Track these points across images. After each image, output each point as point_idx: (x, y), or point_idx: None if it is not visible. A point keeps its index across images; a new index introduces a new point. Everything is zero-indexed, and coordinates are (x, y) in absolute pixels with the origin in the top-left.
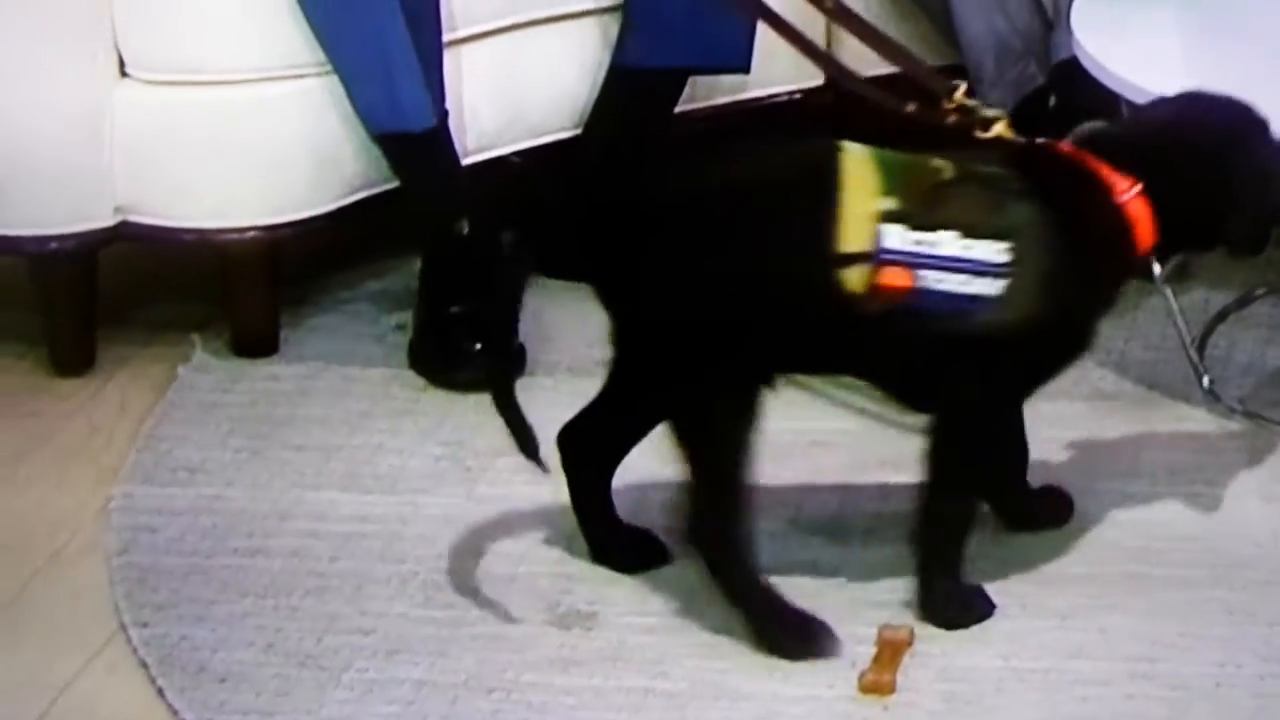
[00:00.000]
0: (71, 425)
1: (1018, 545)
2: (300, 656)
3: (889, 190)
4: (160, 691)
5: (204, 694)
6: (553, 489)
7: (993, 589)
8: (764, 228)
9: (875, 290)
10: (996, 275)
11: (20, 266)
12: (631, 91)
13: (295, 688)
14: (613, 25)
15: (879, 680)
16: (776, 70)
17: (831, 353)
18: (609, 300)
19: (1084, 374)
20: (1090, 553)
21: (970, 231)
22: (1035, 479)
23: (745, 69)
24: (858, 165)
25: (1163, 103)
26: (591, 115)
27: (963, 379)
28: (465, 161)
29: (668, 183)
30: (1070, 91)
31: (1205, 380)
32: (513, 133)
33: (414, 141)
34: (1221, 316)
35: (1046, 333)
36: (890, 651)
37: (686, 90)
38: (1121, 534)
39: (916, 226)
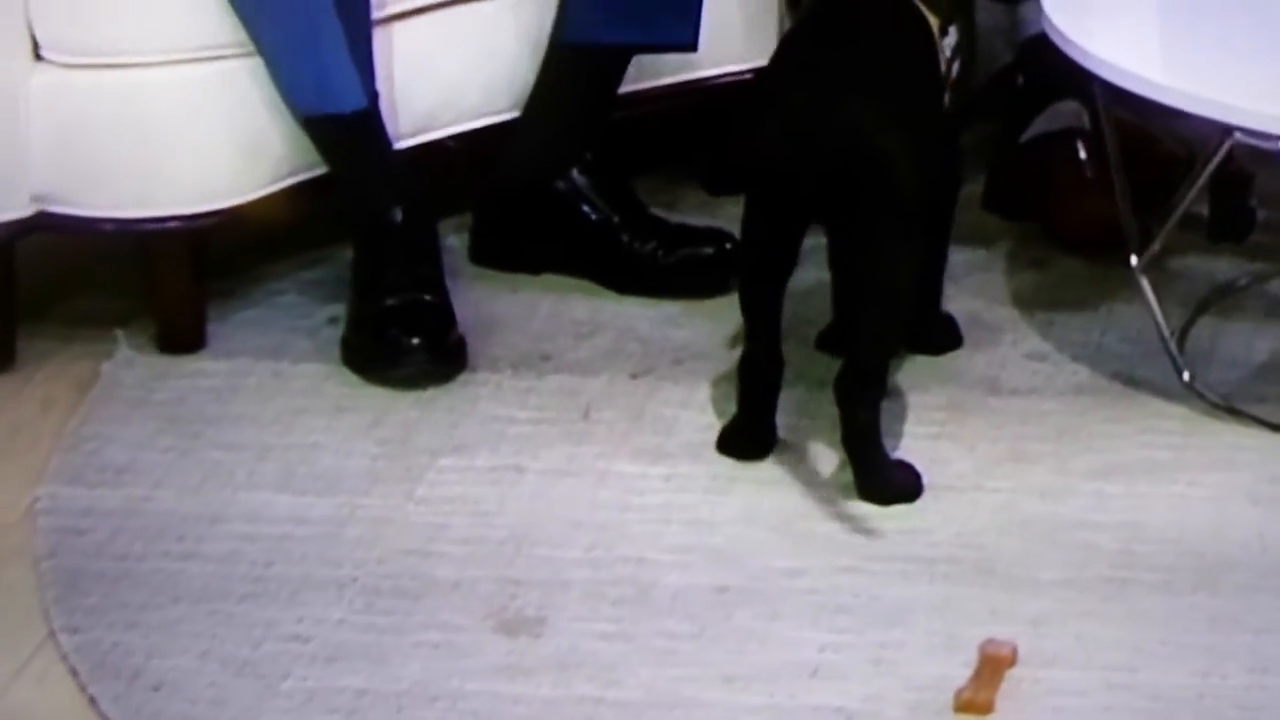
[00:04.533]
0: None
1: (988, 547)
2: (237, 664)
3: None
4: (92, 700)
5: (137, 702)
6: (497, 491)
7: (962, 595)
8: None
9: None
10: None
11: None
12: (573, 70)
13: (232, 696)
14: None
15: (975, 699)
16: (726, 49)
17: None
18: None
19: (1058, 368)
20: (1065, 556)
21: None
22: (1009, 477)
23: (693, 47)
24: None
25: None
26: (531, 96)
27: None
28: (398, 145)
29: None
30: (1039, 70)
31: (1185, 374)
32: (448, 115)
33: (344, 124)
34: (1203, 308)
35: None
36: (991, 669)
37: (631, 69)
38: (1099, 536)
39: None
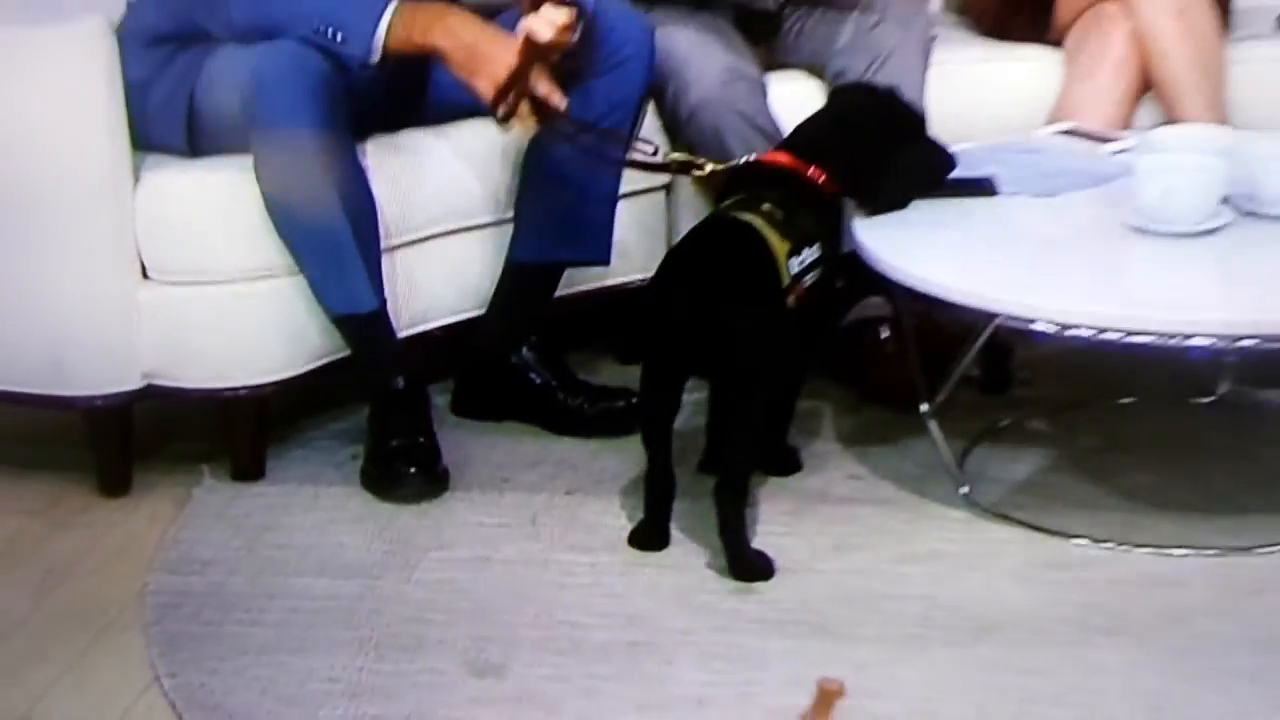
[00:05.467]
0: (115, 533)
1: (823, 612)
2: (287, 699)
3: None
4: None
5: None
6: (470, 575)
7: (805, 646)
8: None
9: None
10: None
11: (76, 418)
12: (521, 280)
13: None
14: (508, 231)
15: None
16: (627, 263)
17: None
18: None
19: (871, 485)
20: (880, 619)
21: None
22: (836, 562)
23: (606, 262)
24: (761, 225)
25: (841, 94)
26: (491, 300)
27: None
28: (400, 334)
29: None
30: (854, 275)
31: (964, 489)
32: (434, 313)
33: (362, 321)
34: (976, 441)
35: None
36: (825, 700)
37: (563, 278)
38: (903, 605)
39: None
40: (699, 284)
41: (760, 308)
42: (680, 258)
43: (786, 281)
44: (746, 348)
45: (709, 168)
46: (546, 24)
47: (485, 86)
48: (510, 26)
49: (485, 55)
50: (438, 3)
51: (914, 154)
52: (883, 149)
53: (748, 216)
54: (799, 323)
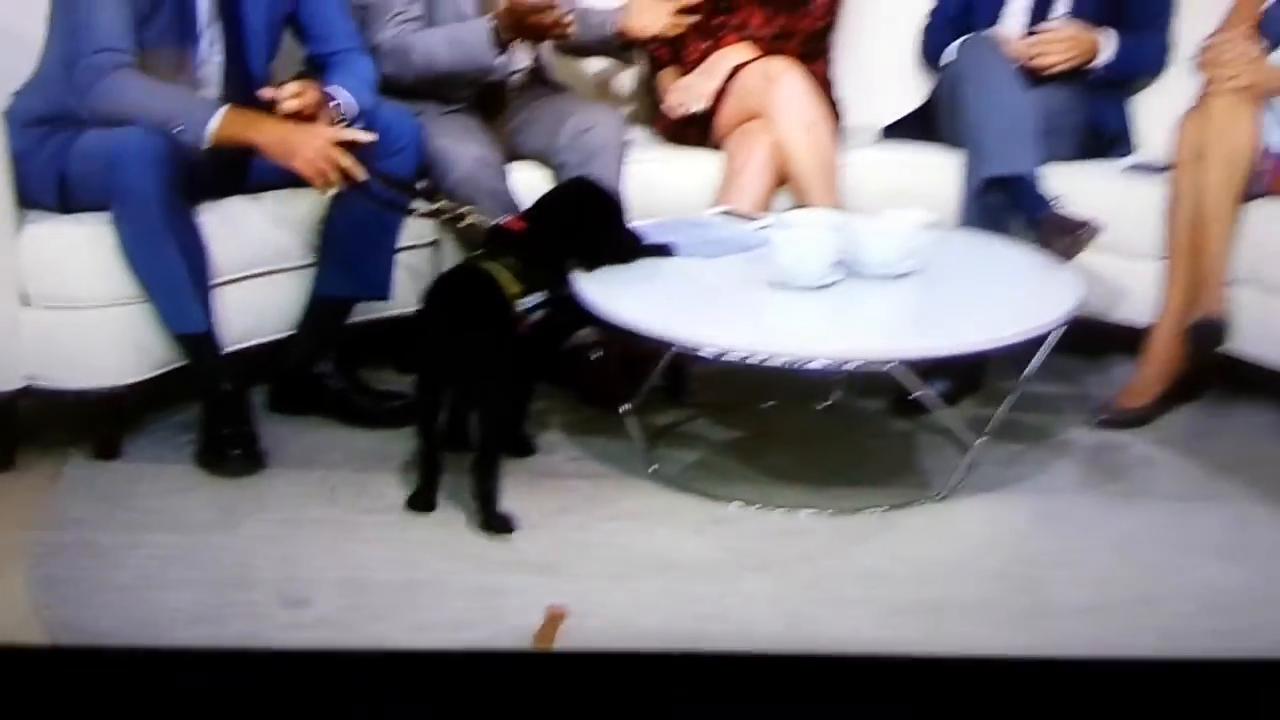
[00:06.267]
0: (3, 500)
1: (553, 558)
2: (142, 623)
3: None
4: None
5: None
6: (283, 532)
7: (539, 582)
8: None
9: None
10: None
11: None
12: (321, 310)
13: None
14: (311, 271)
15: (544, 635)
16: (404, 296)
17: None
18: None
19: (584, 464)
20: (593, 561)
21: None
22: (560, 521)
23: (387, 297)
24: (499, 273)
25: (560, 189)
26: (300, 324)
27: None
28: (228, 348)
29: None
30: (572, 309)
31: (653, 467)
32: (255, 333)
33: (196, 339)
34: (660, 434)
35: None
36: (552, 621)
37: (356, 308)
38: (610, 551)
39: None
40: (451, 315)
41: (493, 334)
42: (438, 294)
43: (516, 315)
44: (482, 362)
45: (470, 218)
46: (326, 143)
47: (301, 164)
48: None
49: (295, 143)
50: (255, 110)
51: (613, 229)
52: (591, 225)
53: (488, 265)
54: (528, 346)
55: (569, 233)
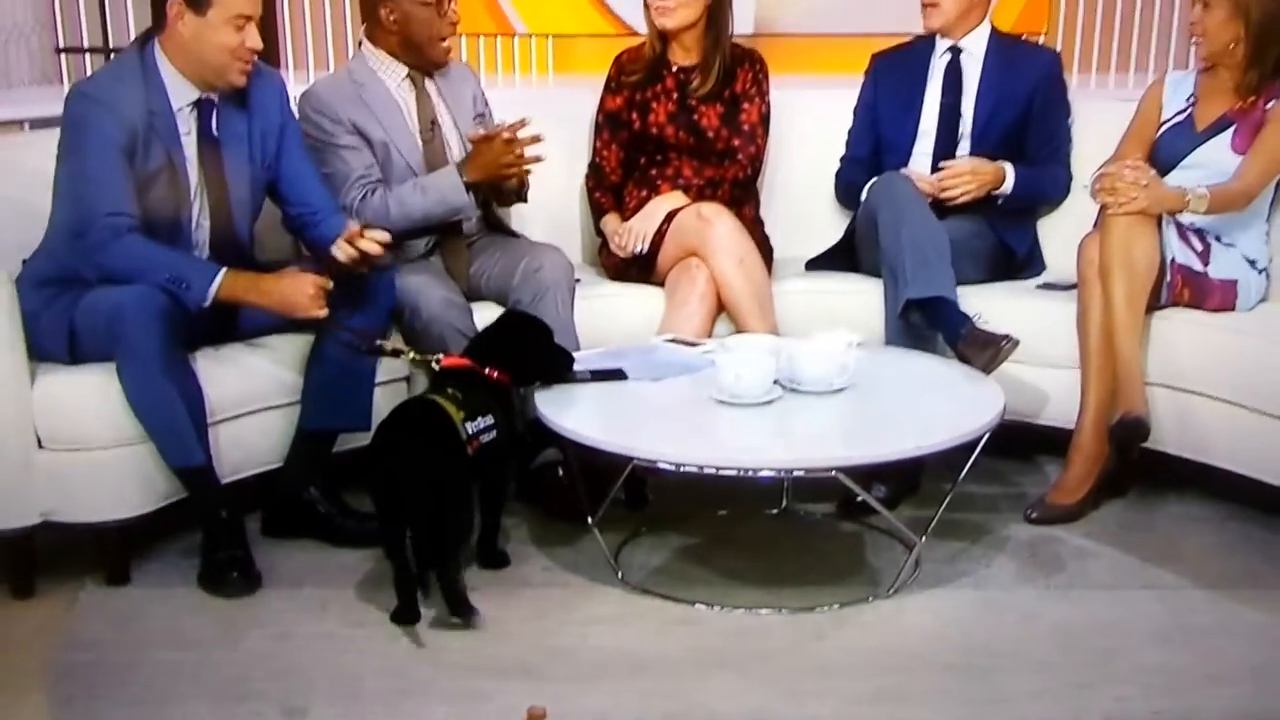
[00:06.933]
0: (24, 625)
1: (525, 655)
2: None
3: (459, 408)
4: None
5: None
6: (279, 645)
7: (516, 686)
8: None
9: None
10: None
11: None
12: (306, 442)
13: None
14: (297, 408)
15: None
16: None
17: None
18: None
19: (554, 574)
20: (567, 663)
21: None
22: (532, 625)
23: (368, 429)
24: (444, 402)
25: (494, 323)
26: (287, 455)
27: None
28: (223, 479)
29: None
30: (537, 431)
31: (619, 574)
32: (247, 465)
33: (193, 472)
34: (625, 542)
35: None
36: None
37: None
38: (583, 653)
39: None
40: (401, 440)
41: (440, 450)
42: (392, 424)
43: (465, 438)
44: (433, 479)
45: (412, 355)
46: (311, 285)
47: (298, 310)
48: None
49: (288, 293)
50: (252, 271)
51: (542, 351)
52: (520, 349)
53: (434, 396)
54: (481, 462)
55: (502, 359)
